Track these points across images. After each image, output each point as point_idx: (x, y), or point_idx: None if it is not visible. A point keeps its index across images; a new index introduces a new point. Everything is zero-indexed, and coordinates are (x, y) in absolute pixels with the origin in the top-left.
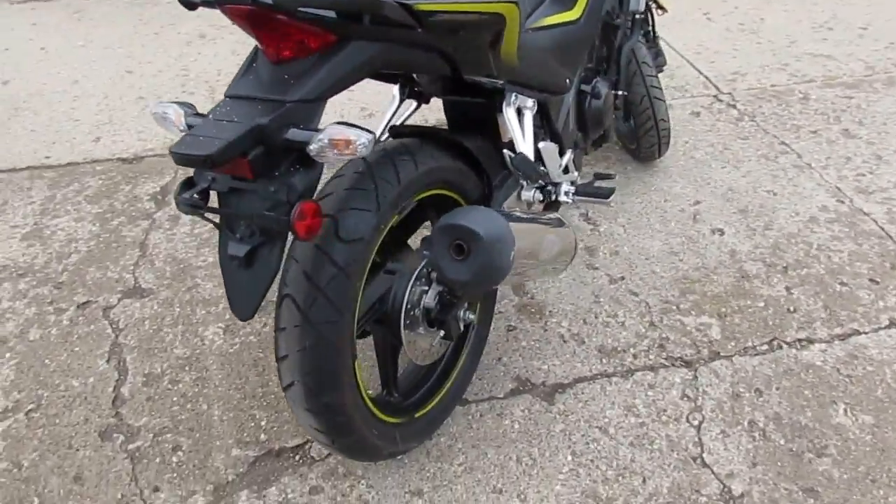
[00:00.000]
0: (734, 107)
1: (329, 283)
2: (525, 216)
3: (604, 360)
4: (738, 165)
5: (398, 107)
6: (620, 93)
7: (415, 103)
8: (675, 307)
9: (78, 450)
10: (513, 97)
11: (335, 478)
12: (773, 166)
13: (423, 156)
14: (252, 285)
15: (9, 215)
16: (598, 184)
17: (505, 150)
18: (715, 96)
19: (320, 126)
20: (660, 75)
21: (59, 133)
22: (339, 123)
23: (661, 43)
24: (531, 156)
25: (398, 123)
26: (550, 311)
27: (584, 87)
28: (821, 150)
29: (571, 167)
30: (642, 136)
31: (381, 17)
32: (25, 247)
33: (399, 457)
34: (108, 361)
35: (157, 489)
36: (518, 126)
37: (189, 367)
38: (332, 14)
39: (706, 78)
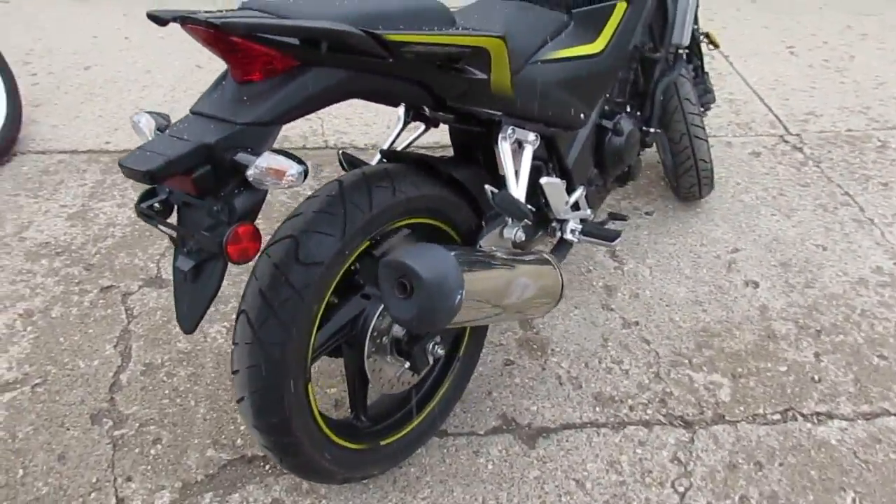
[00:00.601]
0: (800, 150)
1: (282, 304)
2: (490, 257)
3: (597, 409)
4: (791, 214)
5: (401, 129)
6: (653, 130)
7: (422, 126)
8: (686, 361)
9: (68, 429)
10: (509, 130)
11: (297, 493)
12: (830, 218)
13: (405, 183)
14: (195, 300)
15: (61, 195)
16: (608, 224)
17: (487, 186)
18: (781, 136)
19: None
20: (723, 111)
21: (123, 120)
22: (275, 152)
23: (735, 76)
24: (523, 192)
25: (402, 147)
26: (553, 350)
27: (604, 122)
28: (888, 206)
29: (583, 204)
30: (681, 176)
31: (347, 46)
32: (69, 226)
33: (364, 481)
34: (115, 347)
35: (129, 479)
36: (511, 160)
37: (187, 362)
38: (293, 40)
39: (775, 116)
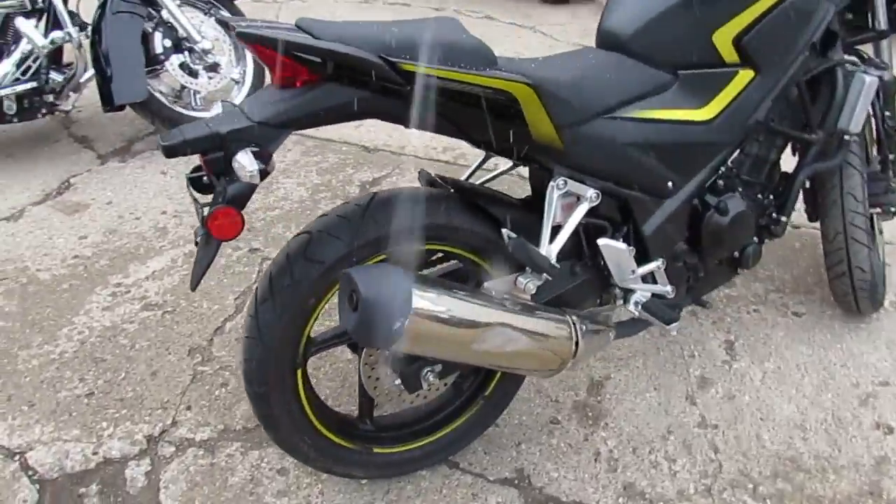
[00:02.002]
0: None
1: (281, 290)
2: (473, 297)
3: (620, 500)
4: None
5: (483, 159)
6: (784, 220)
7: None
8: (751, 486)
9: (169, 354)
10: (560, 181)
11: (303, 469)
12: None
13: (437, 210)
14: (198, 264)
15: None
16: (685, 308)
17: (504, 230)
18: None
19: None
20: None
21: None
22: (258, 151)
23: None
24: (558, 245)
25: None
26: (606, 423)
27: (708, 196)
28: None
29: (661, 279)
30: (832, 280)
31: (364, 70)
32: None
33: (363, 482)
34: (235, 299)
35: (189, 408)
36: (554, 210)
37: None
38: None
39: None
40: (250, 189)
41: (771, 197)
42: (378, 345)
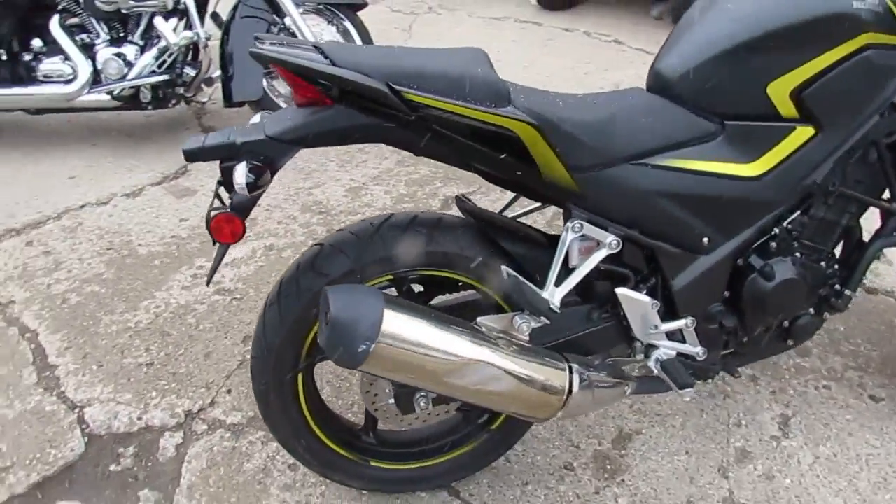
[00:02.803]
0: None
1: (288, 297)
2: (458, 330)
3: None
4: None
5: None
6: (847, 293)
7: None
8: None
9: (226, 338)
10: (577, 223)
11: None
12: None
13: (448, 238)
14: (214, 261)
15: (357, 171)
16: (692, 372)
17: (504, 266)
18: None
19: None
20: None
21: None
22: (246, 164)
23: None
24: (565, 289)
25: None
26: (624, 480)
27: (753, 258)
28: None
29: (691, 339)
30: None
31: (370, 97)
32: (342, 195)
33: (363, 492)
34: None
35: (229, 391)
36: (566, 252)
37: None
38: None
39: None
40: (252, 199)
41: (836, 266)
42: (345, 364)
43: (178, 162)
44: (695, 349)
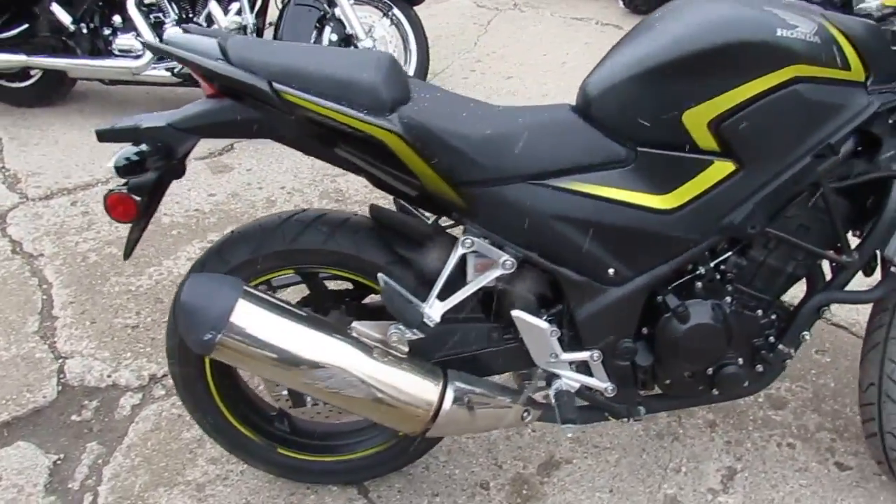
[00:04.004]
0: None
1: None
2: (320, 327)
3: None
4: None
5: None
6: (783, 350)
7: None
8: None
9: None
10: (468, 240)
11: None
12: None
13: (347, 238)
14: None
15: None
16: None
17: (380, 274)
18: None
19: None
20: None
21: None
22: (136, 152)
23: None
24: (447, 305)
25: None
26: None
27: (668, 296)
28: None
29: (597, 372)
30: (867, 438)
31: (251, 93)
32: (364, 185)
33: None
34: None
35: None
36: (452, 268)
37: None
38: None
39: None
40: (150, 182)
41: (774, 317)
42: (198, 351)
43: (225, 140)
44: (602, 384)
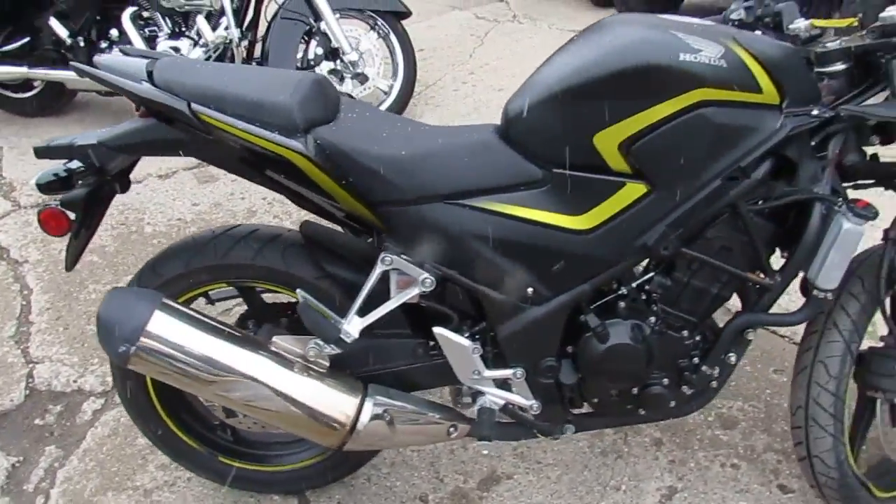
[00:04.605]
0: None
1: None
2: (233, 345)
3: None
4: None
5: None
6: (706, 370)
7: None
8: None
9: None
10: (387, 257)
11: None
12: None
13: (275, 254)
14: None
15: None
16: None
17: (299, 290)
18: None
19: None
20: None
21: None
22: (49, 168)
23: None
24: (364, 322)
25: None
26: None
27: (589, 316)
28: None
29: (522, 390)
30: (799, 462)
31: (173, 114)
32: None
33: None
34: None
35: None
36: (371, 286)
37: None
38: None
39: None
40: (81, 197)
41: (699, 338)
42: (116, 362)
43: None
44: (527, 402)
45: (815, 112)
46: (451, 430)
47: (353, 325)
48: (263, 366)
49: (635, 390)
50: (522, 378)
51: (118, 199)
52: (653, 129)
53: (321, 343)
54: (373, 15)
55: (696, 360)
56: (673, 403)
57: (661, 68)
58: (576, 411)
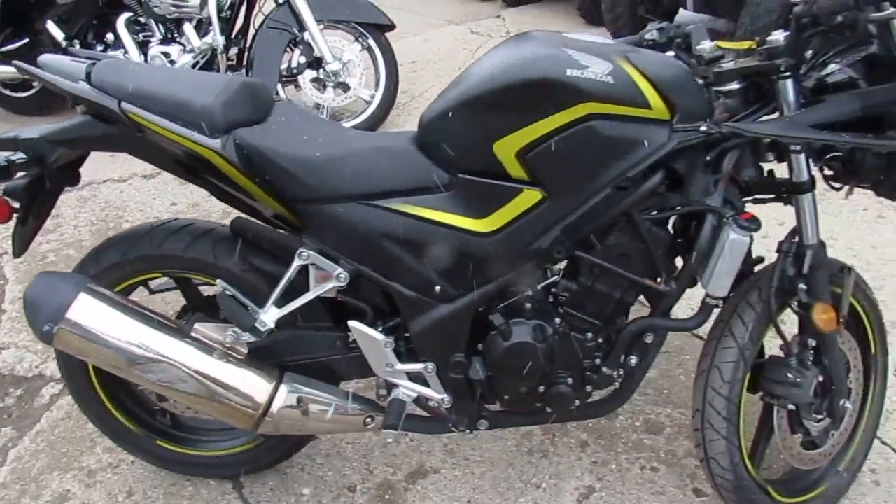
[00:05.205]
0: None
1: None
2: (152, 328)
3: None
4: None
5: None
6: (605, 370)
7: None
8: None
9: None
10: (304, 253)
11: None
12: None
13: (205, 247)
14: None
15: None
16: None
17: (219, 280)
18: None
19: None
20: None
21: None
22: (10, 160)
23: None
24: (280, 313)
25: None
26: None
27: (495, 315)
28: None
29: (434, 384)
30: (700, 463)
31: (106, 113)
32: None
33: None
34: None
35: None
36: (287, 278)
37: None
38: None
39: None
40: (22, 187)
41: (601, 340)
42: (43, 341)
43: None
44: (439, 396)
45: (703, 128)
46: (368, 420)
47: (269, 315)
48: (181, 349)
49: (541, 388)
50: (433, 373)
51: (100, 196)
52: (545, 139)
53: (238, 331)
54: (357, 27)
55: (597, 361)
56: (577, 403)
57: (549, 82)
58: (491, 408)
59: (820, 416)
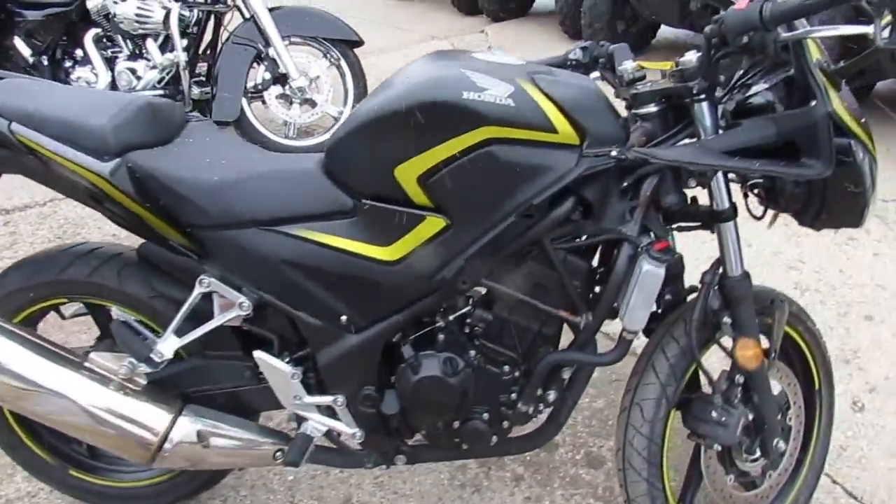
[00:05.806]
0: None
1: None
2: (42, 358)
3: None
4: None
5: None
6: (521, 406)
7: None
8: None
9: None
10: (205, 280)
11: None
12: None
13: (110, 273)
14: None
15: None
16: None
17: (115, 308)
18: None
19: None
20: None
21: None
22: None
23: None
24: (177, 345)
25: None
26: None
27: (406, 347)
28: None
29: (344, 417)
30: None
31: None
32: None
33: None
34: None
35: None
36: (188, 306)
37: None
38: None
39: None
40: None
41: (517, 374)
42: None
43: None
44: (350, 430)
45: (613, 153)
46: (279, 454)
47: (167, 345)
48: (71, 381)
49: (456, 424)
50: (343, 406)
51: (63, 214)
52: (446, 165)
53: (134, 361)
54: (325, 42)
55: (513, 396)
56: (495, 439)
57: (445, 106)
58: (410, 442)
59: (754, 456)
